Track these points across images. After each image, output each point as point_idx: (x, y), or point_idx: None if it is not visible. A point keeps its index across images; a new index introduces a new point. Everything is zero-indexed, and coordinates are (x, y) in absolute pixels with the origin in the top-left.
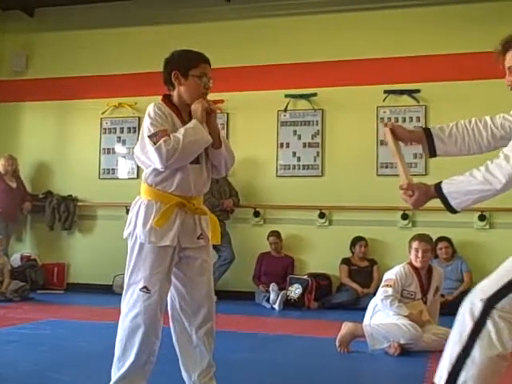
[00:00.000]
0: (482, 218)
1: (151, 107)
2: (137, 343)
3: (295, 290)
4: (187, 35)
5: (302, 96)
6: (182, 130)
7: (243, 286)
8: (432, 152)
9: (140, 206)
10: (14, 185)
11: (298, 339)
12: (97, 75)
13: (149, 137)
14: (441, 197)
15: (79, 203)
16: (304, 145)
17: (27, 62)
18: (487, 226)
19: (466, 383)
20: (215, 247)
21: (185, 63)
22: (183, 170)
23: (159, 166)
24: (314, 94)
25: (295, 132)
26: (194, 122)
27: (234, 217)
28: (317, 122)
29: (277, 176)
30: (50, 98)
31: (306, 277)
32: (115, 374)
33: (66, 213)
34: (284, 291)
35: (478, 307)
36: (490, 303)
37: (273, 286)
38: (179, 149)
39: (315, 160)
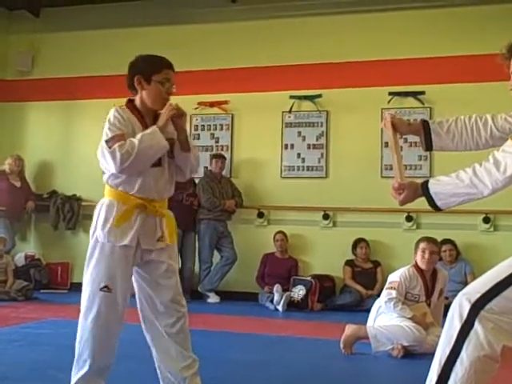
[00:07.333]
0: (486, 220)
1: (111, 112)
2: (97, 343)
3: (299, 292)
4: (192, 36)
5: (306, 97)
6: (138, 136)
7: (247, 287)
8: (428, 146)
9: (102, 207)
10: (18, 184)
11: (301, 340)
12: (102, 75)
13: (106, 141)
14: (427, 196)
15: (83, 203)
16: (308, 146)
17: (33, 62)
18: (492, 229)
19: None
20: (217, 248)
21: (148, 68)
22: (144, 172)
23: (114, 170)
24: (319, 96)
25: (300, 133)
26: (153, 127)
27: (237, 217)
28: (321, 123)
29: (281, 177)
30: (55, 98)
31: (309, 278)
32: (75, 374)
33: (71, 212)
34: (288, 292)
35: (466, 309)
36: (478, 305)
37: (277, 287)
38: (134, 154)
39: (319, 161)
